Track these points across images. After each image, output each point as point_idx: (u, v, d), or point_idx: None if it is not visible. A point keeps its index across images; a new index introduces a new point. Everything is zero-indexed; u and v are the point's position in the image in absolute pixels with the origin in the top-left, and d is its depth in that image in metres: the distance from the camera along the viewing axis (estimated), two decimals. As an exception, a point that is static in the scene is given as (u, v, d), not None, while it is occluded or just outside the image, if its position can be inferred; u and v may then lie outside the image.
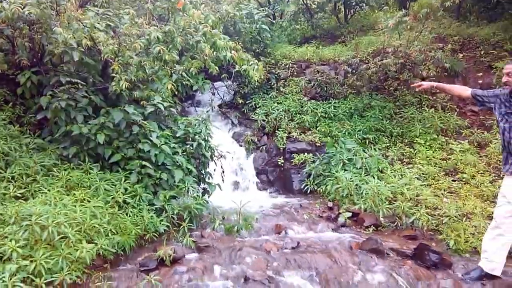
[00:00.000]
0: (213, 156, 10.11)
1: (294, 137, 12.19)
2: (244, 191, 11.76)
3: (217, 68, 8.70)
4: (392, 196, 8.94)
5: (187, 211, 8.19)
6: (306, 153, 11.66)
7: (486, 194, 8.71)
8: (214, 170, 10.18)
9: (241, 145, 12.68)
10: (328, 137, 11.95)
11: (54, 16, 7.75)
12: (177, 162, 8.65)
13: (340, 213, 8.98)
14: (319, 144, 11.84)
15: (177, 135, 9.21)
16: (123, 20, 8.17)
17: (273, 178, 11.98)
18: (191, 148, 9.24)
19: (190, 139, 9.35)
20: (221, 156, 10.38)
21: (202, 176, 9.65)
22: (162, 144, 8.43)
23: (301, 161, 11.54)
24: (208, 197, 9.38)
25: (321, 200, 10.17)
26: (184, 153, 9.12)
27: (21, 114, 8.22)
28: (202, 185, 9.57)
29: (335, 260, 6.76)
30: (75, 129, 7.97)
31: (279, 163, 11.90)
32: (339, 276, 6.23)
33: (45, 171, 7.53)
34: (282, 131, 12.30)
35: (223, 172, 10.67)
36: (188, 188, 8.50)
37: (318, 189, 10.60)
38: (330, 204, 9.67)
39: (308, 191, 10.90)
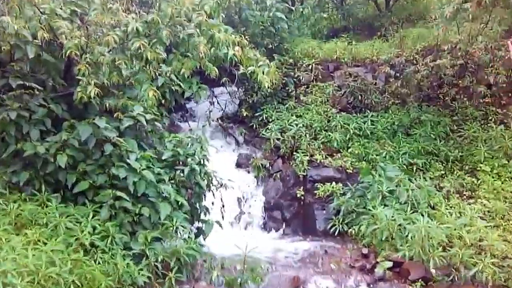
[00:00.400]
0: (211, 185, 10.16)
1: (319, 161, 12.21)
2: (251, 232, 11.79)
3: (217, 70, 8.74)
4: (447, 240, 8.97)
5: (175, 257, 8.16)
6: (333, 183, 11.65)
7: None
8: (212, 204, 10.30)
9: (248, 172, 12.80)
10: (363, 162, 12.10)
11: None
12: (163, 192, 8.74)
13: (378, 262, 9.06)
14: (351, 171, 11.93)
15: (164, 158, 9.45)
16: (92, 6, 8.06)
17: (289, 215, 12.03)
18: (182, 175, 9.35)
19: (181, 163, 9.53)
20: (221, 186, 10.39)
21: (195, 211, 9.80)
22: (143, 169, 8.46)
23: (327, 193, 11.55)
24: (204, 239, 9.49)
25: (353, 244, 10.21)
26: (173, 181, 9.23)
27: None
28: (195, 224, 9.72)
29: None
30: (28, 148, 7.94)
31: (298, 195, 11.93)
32: None
33: (-13, 203, 7.92)
34: (303, 153, 12.36)
35: (223, 206, 10.79)
36: (177, 228, 8.55)
37: (349, 230, 10.64)
38: (365, 251, 9.69)
39: (336, 232, 10.91)
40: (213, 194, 10.28)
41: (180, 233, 8.63)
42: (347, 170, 11.97)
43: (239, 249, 8.55)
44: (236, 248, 8.65)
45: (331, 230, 11.06)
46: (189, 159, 9.43)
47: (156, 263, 7.91)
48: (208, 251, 9.34)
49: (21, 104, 8.09)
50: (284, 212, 12.07)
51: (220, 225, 9.81)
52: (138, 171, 8.32)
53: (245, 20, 14.16)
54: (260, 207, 12.25)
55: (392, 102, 13.65)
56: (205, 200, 10.01)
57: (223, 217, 10.60)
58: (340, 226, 10.95)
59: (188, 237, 8.72)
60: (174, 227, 8.44)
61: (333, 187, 11.59)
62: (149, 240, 8.06)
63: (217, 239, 9.95)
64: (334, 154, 12.55)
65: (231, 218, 11.78)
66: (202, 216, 9.86)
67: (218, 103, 14.59)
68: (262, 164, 12.48)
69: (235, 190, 11.89)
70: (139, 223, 8.30)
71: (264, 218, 12.16)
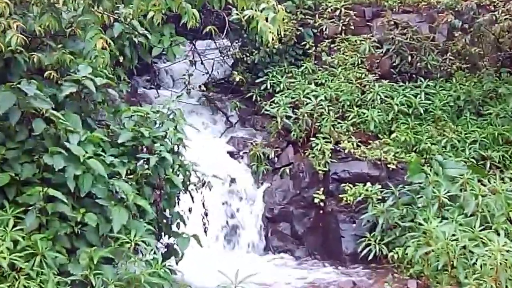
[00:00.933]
0: (188, 183, 10.29)
1: (347, 151, 12.43)
2: (245, 253, 12.15)
3: (198, 15, 8.34)
4: (535, 272, 9.35)
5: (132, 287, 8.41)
6: (368, 183, 11.88)
7: None
8: (190, 210, 10.48)
9: (243, 164, 13.01)
10: (413, 154, 12.29)
11: None
12: (117, 192, 8.76)
13: (432, 301, 9.36)
14: (394, 167, 12.17)
15: (120, 141, 9.39)
16: None
17: (303, 230, 12.37)
18: (146, 167, 9.37)
19: (145, 149, 9.54)
20: (204, 185, 10.52)
21: (165, 221, 9.89)
22: (88, 158, 8.31)
23: (359, 198, 11.77)
24: (177, 262, 9.68)
25: (395, 275, 10.45)
26: (132, 176, 9.21)
27: None
28: (164, 239, 9.96)
29: None
30: None
31: (316, 200, 12.12)
32: None
33: None
34: (324, 139, 12.58)
35: (206, 215, 10.84)
36: (137, 244, 8.42)
37: (390, 253, 10.78)
38: (413, 284, 9.78)
39: (371, 256, 11.09)
40: (192, 197, 10.39)
41: (142, 253, 8.60)
42: (389, 166, 12.15)
43: (227, 278, 8.30)
44: (222, 277, 8.35)
45: (363, 253, 11.22)
46: (157, 144, 9.46)
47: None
48: (181, 279, 9.37)
49: None
50: (295, 226, 12.35)
51: (199, 242, 9.74)
52: (81, 160, 8.17)
53: None
54: (259, 216, 12.54)
55: (458, 67, 13.76)
56: (179, 205, 10.15)
57: (205, 231, 10.73)
58: (377, 248, 11.09)
59: (153, 258, 8.60)
60: (133, 244, 8.26)
61: (367, 190, 11.75)
62: (95, 262, 7.86)
63: (195, 263, 10.08)
64: (370, 142, 12.78)
65: (217, 231, 12.02)
66: (174, 228, 9.99)
67: (202, 63, 14.78)
68: (264, 154, 12.90)
69: (223, 191, 12.41)
70: (82, 236, 8.12)
71: (265, 234, 12.48)
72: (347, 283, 10.39)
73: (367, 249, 11.12)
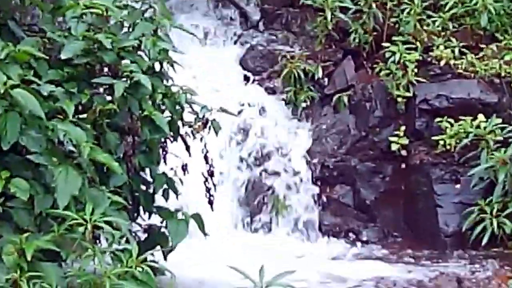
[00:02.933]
0: (180, 123, 10.39)
1: (444, 63, 12.68)
2: (276, 236, 12.61)
3: None
4: None
5: None
6: (480, 117, 11.93)
7: None
8: (184, 169, 10.61)
9: (271, 92, 13.62)
10: None
11: None
12: (63, 142, 8.52)
13: None
14: None
15: (64, 57, 9.28)
16: None
17: (373, 198, 12.72)
18: (108, 98, 9.34)
19: (106, 68, 9.58)
20: (206, 126, 10.58)
21: (144, 188, 10.01)
22: (13, 86, 8.04)
23: (464, 140, 11.89)
24: (165, 255, 9.85)
25: None
26: (86, 116, 9.07)
27: None
28: (144, 218, 10.09)
29: None
30: None
31: (394, 147, 12.43)
32: None
33: None
34: (405, 43, 12.87)
35: (210, 175, 10.94)
36: (98, 227, 8.00)
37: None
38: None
39: (485, 237, 11.14)
40: (186, 147, 10.46)
41: (106, 241, 8.26)
42: (513, 83, 11.50)
43: (245, 277, 8.40)
44: (237, 276, 8.52)
45: (474, 232, 11.31)
46: (126, 61, 9.36)
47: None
48: (171, 282, 8.97)
49: None
50: (361, 190, 12.66)
51: (202, 227, 9.90)
52: (1, 91, 8.03)
53: None
54: (300, 176, 12.79)
55: None
56: (165, 162, 10.33)
57: (210, 203, 10.77)
58: (495, 223, 11.20)
59: (125, 250, 8.09)
60: (89, 227, 7.98)
61: (479, 128, 11.86)
62: (28, 258, 7.47)
63: (194, 254, 10.42)
64: (483, 47, 12.90)
65: (229, 204, 12.25)
66: (160, 201, 10.05)
67: None
68: (306, 73, 12.99)
69: (238, 135, 12.24)
70: (6, 217, 7.94)
71: (311, 206, 12.59)
72: (448, 281, 10.50)
73: (480, 226, 11.20)
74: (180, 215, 9.86)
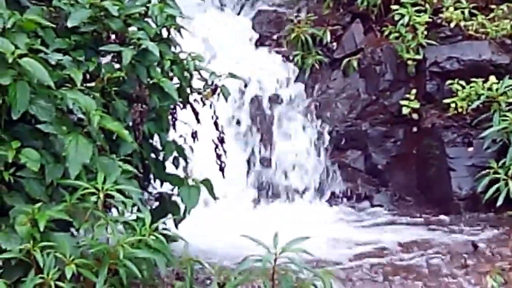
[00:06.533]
0: (189, 90, 10.42)
1: (454, 24, 12.74)
2: (288, 203, 12.81)
3: None
4: None
5: (105, 269, 7.81)
6: (491, 78, 11.94)
7: None
8: (194, 137, 10.72)
9: (280, 55, 13.54)
10: None
11: None
12: (73, 111, 8.56)
13: None
14: None
15: (71, 25, 9.26)
16: None
17: (385, 162, 12.94)
18: (116, 66, 9.34)
19: (113, 36, 9.58)
20: (215, 92, 10.59)
21: (154, 155, 10.15)
22: (21, 55, 7.99)
23: (476, 102, 11.96)
24: (177, 223, 9.87)
25: None
26: (94, 84, 9.16)
27: None
28: (155, 186, 10.22)
29: None
30: None
31: (405, 110, 12.55)
32: None
33: None
34: (414, 5, 12.95)
35: (221, 141, 11.00)
36: (110, 196, 8.19)
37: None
38: None
39: (499, 200, 11.12)
40: (196, 114, 10.50)
41: (118, 210, 8.52)
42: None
43: (258, 244, 8.21)
44: (250, 244, 8.27)
45: (487, 195, 11.26)
46: (133, 28, 9.36)
47: (58, 281, 7.48)
48: (184, 250, 9.26)
49: None
50: (372, 155, 12.90)
51: (212, 192, 9.88)
52: (9, 60, 7.95)
53: None
54: (310, 141, 13.02)
55: None
56: (175, 129, 10.33)
57: (222, 169, 10.81)
58: (510, 185, 11.13)
59: (138, 218, 8.39)
60: (101, 196, 8.08)
61: (490, 89, 11.87)
62: (41, 229, 7.57)
63: (206, 222, 10.47)
64: (493, 7, 12.87)
65: (240, 171, 12.27)
66: (170, 168, 10.02)
67: None
68: (314, 37, 13.07)
69: (248, 103, 12.11)
70: (17, 187, 8.00)
71: (321, 170, 12.82)
72: (463, 245, 10.49)
73: (494, 187, 11.18)
74: (191, 182, 9.48)
